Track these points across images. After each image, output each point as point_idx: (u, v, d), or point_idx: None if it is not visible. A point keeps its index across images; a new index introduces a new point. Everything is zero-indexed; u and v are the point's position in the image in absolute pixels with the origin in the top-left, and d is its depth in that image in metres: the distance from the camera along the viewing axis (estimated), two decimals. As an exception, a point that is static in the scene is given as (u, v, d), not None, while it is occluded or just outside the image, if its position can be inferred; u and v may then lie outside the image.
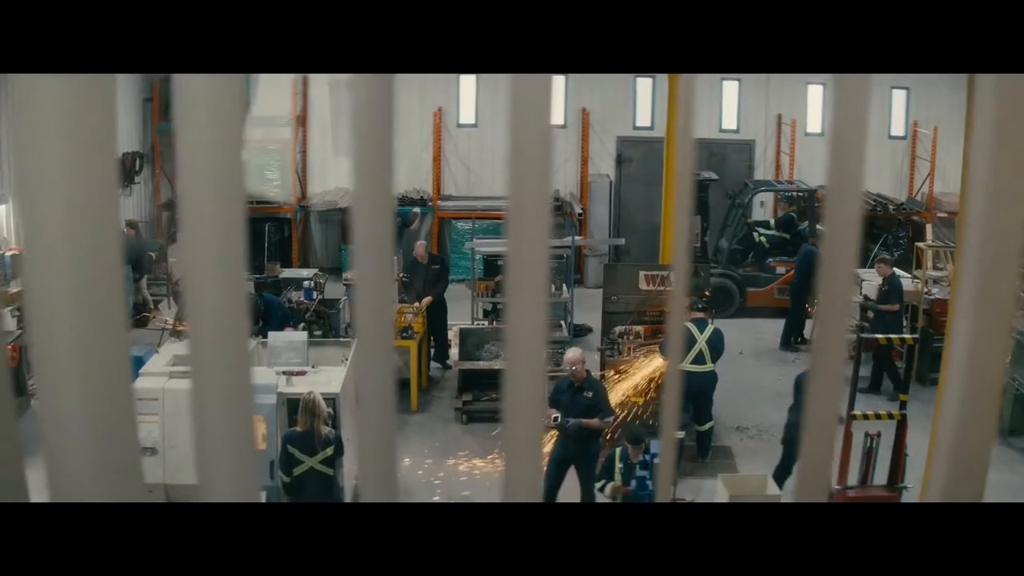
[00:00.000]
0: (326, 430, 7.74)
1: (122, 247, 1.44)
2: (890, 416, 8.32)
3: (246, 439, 1.57)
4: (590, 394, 8.76)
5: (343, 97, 17.90)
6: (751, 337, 14.70)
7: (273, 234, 18.02)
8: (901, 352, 12.08)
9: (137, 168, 17.50)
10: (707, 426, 10.54)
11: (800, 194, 16.97)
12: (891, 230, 18.25)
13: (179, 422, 8.03)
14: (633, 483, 7.90)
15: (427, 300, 12.67)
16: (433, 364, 13.15)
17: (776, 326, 14.84)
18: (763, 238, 16.74)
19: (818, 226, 16.79)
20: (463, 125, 19.51)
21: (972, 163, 1.83)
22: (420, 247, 13.34)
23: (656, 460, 7.95)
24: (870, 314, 12.39)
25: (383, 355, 1.64)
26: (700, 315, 10.49)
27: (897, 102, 19.81)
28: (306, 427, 7.67)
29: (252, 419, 1.59)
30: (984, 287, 1.78)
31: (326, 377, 8.98)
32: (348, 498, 8.26)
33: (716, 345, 10.37)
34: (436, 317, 12.95)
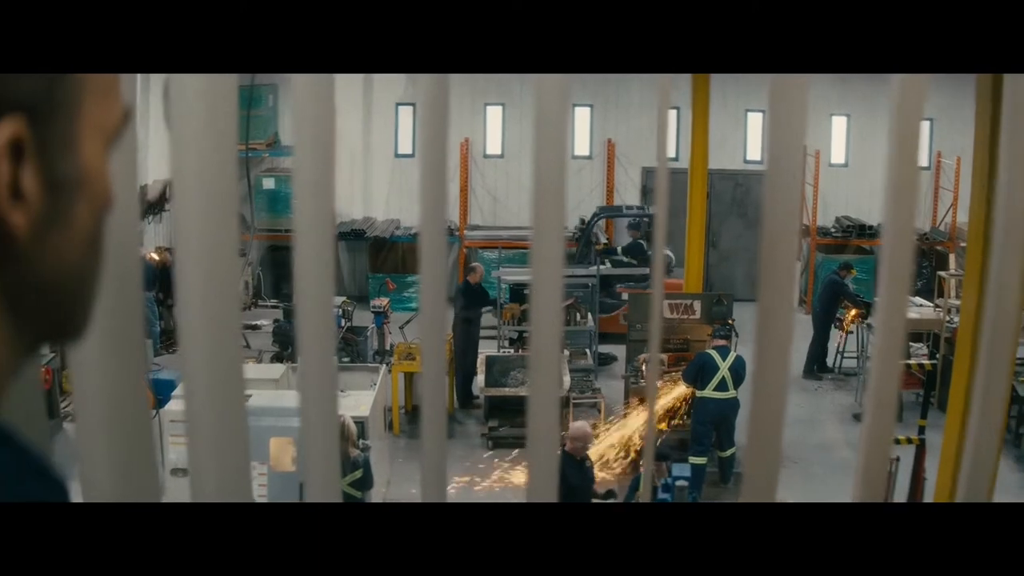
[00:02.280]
0: (355, 453, 7.87)
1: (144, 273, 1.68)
2: (909, 441, 8.43)
3: (334, 444, 1.78)
4: (589, 463, 8.64)
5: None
6: (774, 365, 14.76)
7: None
8: (921, 379, 12.10)
9: (168, 196, 17.80)
10: (729, 452, 10.64)
11: (645, 219, 16.54)
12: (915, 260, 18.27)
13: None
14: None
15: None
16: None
17: (798, 355, 14.90)
18: (609, 264, 16.37)
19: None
20: (490, 156, 19.77)
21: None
22: (478, 269, 13.63)
23: (678, 483, 8.11)
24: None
25: (439, 373, 1.85)
26: (722, 342, 10.64)
27: (921, 133, 19.84)
28: (336, 449, 7.84)
29: (337, 426, 1.81)
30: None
31: (355, 401, 9.19)
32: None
33: (739, 372, 10.49)
34: (466, 347, 12.91)
